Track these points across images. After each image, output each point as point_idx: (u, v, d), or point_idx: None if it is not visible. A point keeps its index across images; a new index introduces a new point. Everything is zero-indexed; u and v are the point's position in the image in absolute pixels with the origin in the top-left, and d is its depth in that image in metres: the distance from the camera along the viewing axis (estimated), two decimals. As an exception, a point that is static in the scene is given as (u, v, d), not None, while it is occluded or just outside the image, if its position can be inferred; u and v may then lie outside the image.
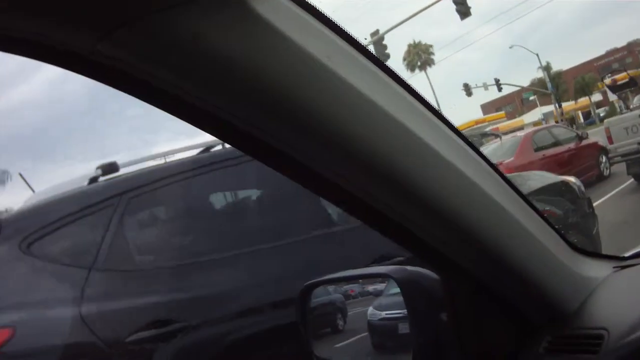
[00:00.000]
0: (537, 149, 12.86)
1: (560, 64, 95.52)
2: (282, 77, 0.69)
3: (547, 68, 57.81)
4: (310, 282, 1.62)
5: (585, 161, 13.58)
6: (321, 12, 0.73)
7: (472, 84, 51.83)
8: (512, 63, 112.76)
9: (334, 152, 0.78)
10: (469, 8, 23.38)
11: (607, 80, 13.12)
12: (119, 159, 3.40)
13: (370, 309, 1.53)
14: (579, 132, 14.99)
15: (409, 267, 1.30)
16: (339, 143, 0.76)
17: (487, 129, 56.12)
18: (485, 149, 12.50)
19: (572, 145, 13.78)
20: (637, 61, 69.44)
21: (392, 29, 26.17)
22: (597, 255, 1.32)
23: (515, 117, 64.82)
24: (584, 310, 1.10)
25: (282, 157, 0.79)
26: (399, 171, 0.81)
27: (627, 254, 1.38)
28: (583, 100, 52.76)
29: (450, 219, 0.90)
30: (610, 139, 11.59)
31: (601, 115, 22.89)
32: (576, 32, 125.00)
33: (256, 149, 0.81)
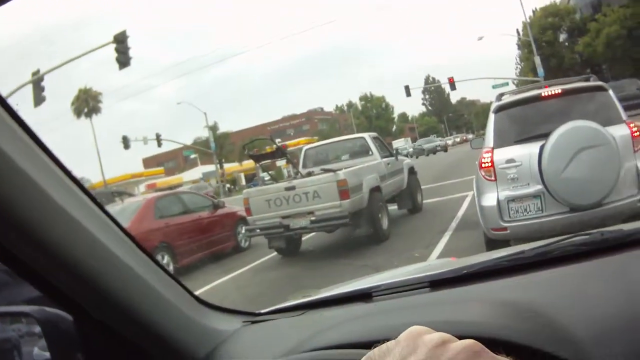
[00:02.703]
0: (161, 216, 11.52)
1: (233, 126, 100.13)
2: None
3: (213, 128, 58.80)
4: None
5: (220, 231, 12.99)
6: None
7: (138, 137, 50.13)
8: (182, 119, 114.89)
9: None
10: (129, 58, 22.64)
11: (253, 151, 12.36)
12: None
13: (36, 350, 1.49)
14: (215, 201, 14.33)
15: (47, 308, 1.29)
16: None
17: (143, 184, 55.88)
18: (112, 209, 10.73)
19: (205, 213, 13.09)
20: (315, 129, 76.34)
21: (53, 69, 24.64)
22: (226, 310, 1.49)
23: (175, 174, 65.14)
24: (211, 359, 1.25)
25: None
26: (28, 222, 0.89)
27: (261, 311, 1.58)
28: (249, 163, 54.51)
29: (76, 269, 0.99)
30: (248, 211, 10.48)
31: (266, 179, 23.08)
32: (257, 96, 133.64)
33: None
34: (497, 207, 6.18)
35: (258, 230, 10.61)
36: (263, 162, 11.77)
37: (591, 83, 6.84)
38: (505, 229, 6.12)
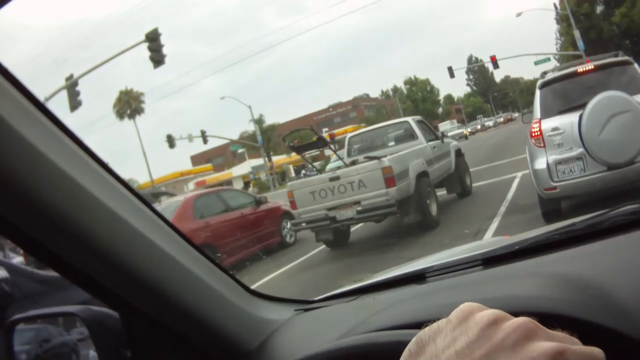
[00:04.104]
0: (201, 216, 11.31)
1: (280, 117, 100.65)
2: None
3: (258, 121, 58.64)
4: (13, 317, 1.58)
5: (263, 227, 12.67)
6: (6, 69, 0.81)
7: (183, 135, 50.58)
8: (227, 114, 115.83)
9: (21, 207, 0.85)
10: (163, 56, 22.47)
11: (293, 142, 11.97)
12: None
13: (91, 352, 1.50)
14: (257, 196, 13.96)
15: (93, 307, 1.31)
16: (21, 198, 0.84)
17: (192, 182, 56.42)
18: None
19: (247, 210, 12.75)
20: (362, 116, 76.06)
21: (86, 73, 24.58)
22: (278, 299, 1.50)
23: (224, 170, 65.57)
24: (263, 349, 1.25)
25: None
26: (77, 225, 0.90)
27: (313, 299, 1.55)
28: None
29: (123, 266, 0.99)
30: (293, 204, 10.23)
31: (314, 170, 23.00)
32: (302, 86, 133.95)
33: None
34: (547, 170, 7.14)
35: (304, 224, 10.32)
36: (305, 153, 11.39)
37: (619, 58, 7.89)
38: (555, 188, 7.11)
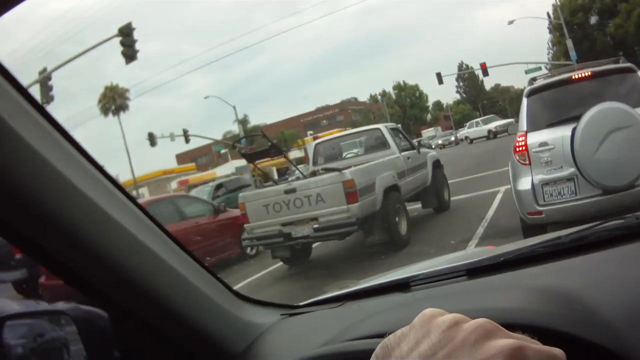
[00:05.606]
0: None
1: (266, 119, 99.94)
2: None
3: (243, 121, 57.95)
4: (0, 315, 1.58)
5: (221, 238, 11.75)
6: (6, 69, 0.81)
7: (166, 133, 49.46)
8: (213, 114, 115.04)
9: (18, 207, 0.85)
10: (135, 52, 21.75)
11: (246, 149, 10.88)
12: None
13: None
14: (216, 205, 12.98)
15: (82, 306, 1.29)
16: (15, 195, 0.83)
17: (175, 181, 55.52)
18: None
19: (204, 219, 11.90)
20: (349, 119, 75.31)
21: (60, 66, 23.62)
22: (264, 303, 1.50)
23: (208, 169, 64.74)
24: (249, 353, 1.25)
25: None
26: (69, 224, 0.90)
27: (299, 303, 1.55)
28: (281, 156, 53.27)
29: (112, 266, 0.98)
30: (245, 217, 9.18)
31: (296, 173, 22.53)
32: (291, 88, 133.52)
33: None
34: (532, 191, 6.18)
35: (255, 241, 9.33)
36: (257, 161, 10.35)
37: (620, 65, 6.85)
38: (540, 212, 6.14)
